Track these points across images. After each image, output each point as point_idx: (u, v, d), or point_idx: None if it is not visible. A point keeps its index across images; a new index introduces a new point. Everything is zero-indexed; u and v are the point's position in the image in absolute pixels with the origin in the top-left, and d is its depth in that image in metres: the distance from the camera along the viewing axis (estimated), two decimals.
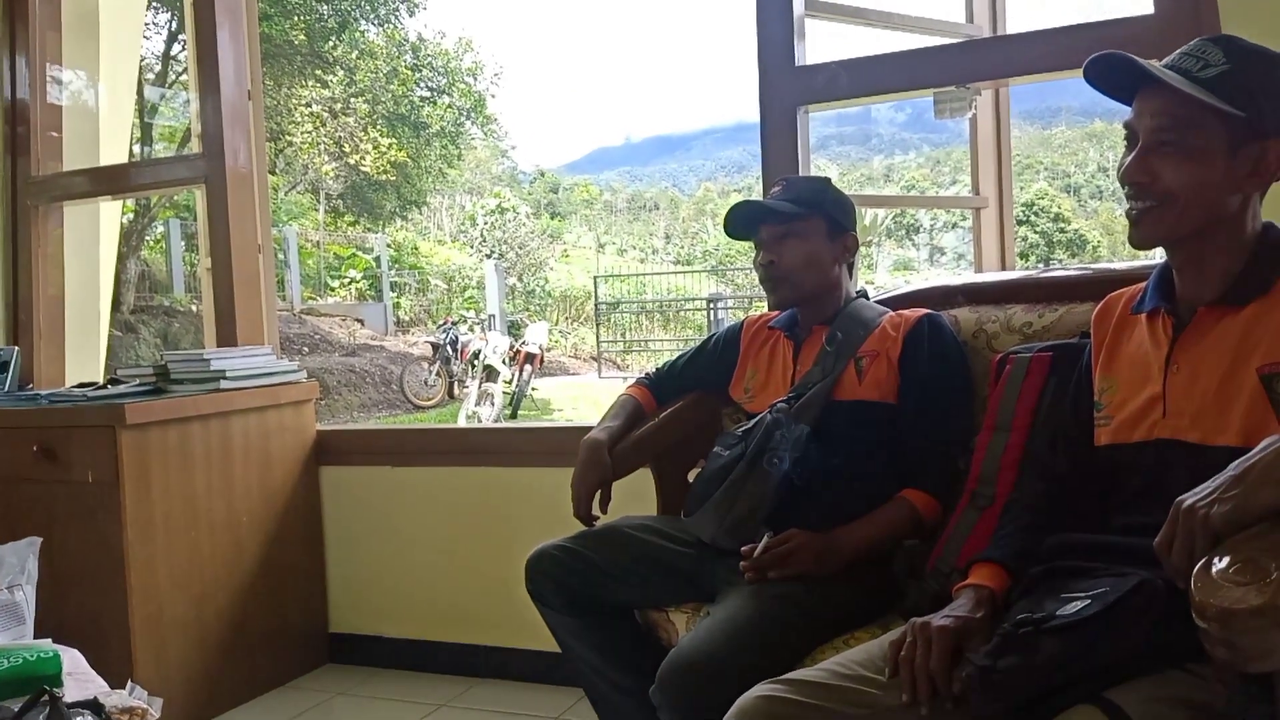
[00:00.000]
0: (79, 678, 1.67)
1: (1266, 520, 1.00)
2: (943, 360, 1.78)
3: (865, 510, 1.71)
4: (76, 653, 1.78)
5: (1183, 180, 1.21)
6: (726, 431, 1.88)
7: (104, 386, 2.76)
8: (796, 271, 1.87)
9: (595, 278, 18.95)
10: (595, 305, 17.53)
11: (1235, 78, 1.20)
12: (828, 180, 1.99)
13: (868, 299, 1.95)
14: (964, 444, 1.72)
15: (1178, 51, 1.25)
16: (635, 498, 2.06)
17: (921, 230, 23.93)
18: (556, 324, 18.41)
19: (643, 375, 2.18)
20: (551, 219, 28.81)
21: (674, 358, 2.17)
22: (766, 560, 1.64)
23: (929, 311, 1.84)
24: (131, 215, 12.37)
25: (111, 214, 3.85)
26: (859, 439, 1.76)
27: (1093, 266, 1.93)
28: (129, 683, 1.59)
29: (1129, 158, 1.26)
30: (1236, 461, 1.04)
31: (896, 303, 2.02)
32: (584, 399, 12.95)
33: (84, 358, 3.57)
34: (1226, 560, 0.96)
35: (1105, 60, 1.26)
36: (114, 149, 3.71)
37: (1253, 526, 1.00)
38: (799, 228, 1.86)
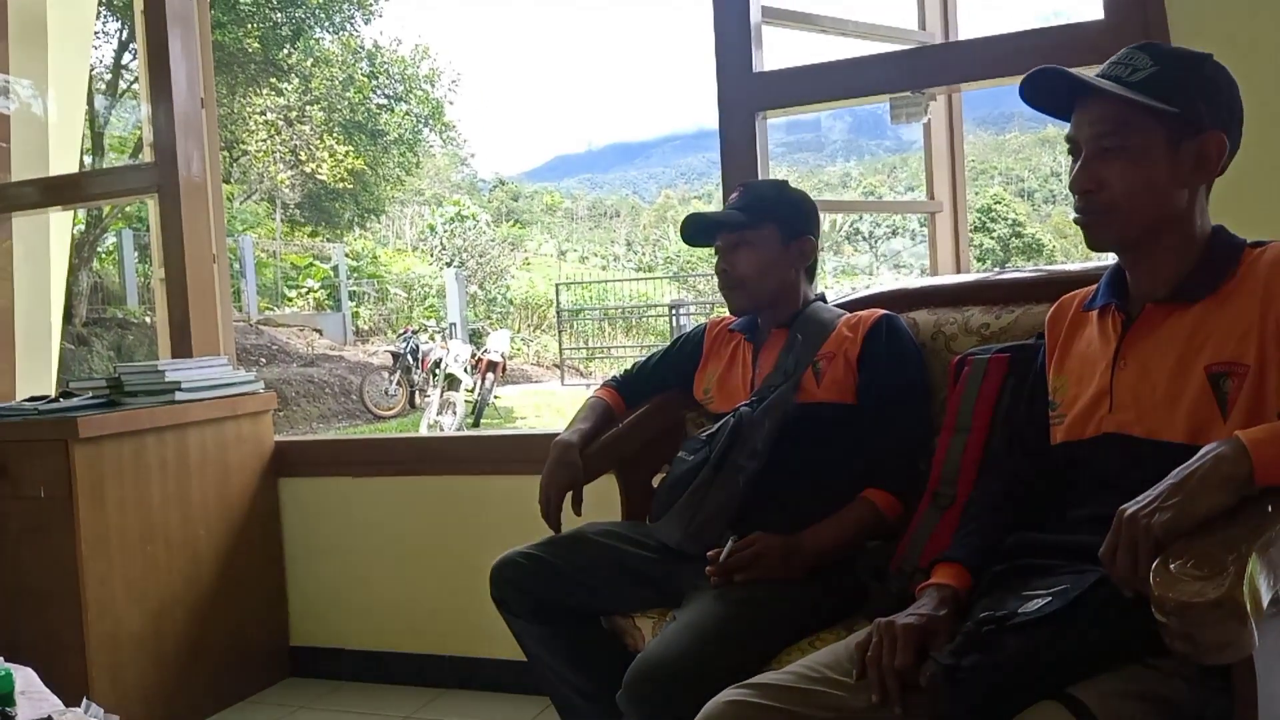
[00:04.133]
0: (33, 696, 1.64)
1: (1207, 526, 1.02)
2: (900, 360, 1.79)
3: (829, 512, 1.72)
4: (30, 671, 1.75)
5: (1129, 182, 1.25)
6: (691, 436, 1.89)
7: (56, 400, 2.70)
8: (751, 279, 1.88)
9: (557, 285, 18.92)
10: (557, 312, 17.50)
11: (1164, 77, 1.24)
12: (783, 184, 1.99)
13: (825, 302, 1.96)
14: (924, 443, 1.74)
15: (1107, 62, 1.30)
16: (600, 503, 2.06)
17: (864, 238, 24.17)
18: (519, 331, 18.35)
19: (611, 378, 2.18)
20: (512, 227, 28.74)
21: (643, 359, 2.17)
22: (732, 564, 1.64)
23: (886, 312, 1.85)
24: (83, 226, 12.17)
25: (62, 225, 3.79)
26: (820, 441, 1.77)
27: (1047, 268, 1.96)
28: (84, 700, 1.57)
29: (1075, 167, 1.29)
30: (1177, 469, 1.06)
31: (856, 305, 2.03)
32: (547, 406, 12.91)
33: (35, 371, 3.51)
34: (1183, 556, 0.98)
35: (1040, 76, 1.30)
36: (64, 159, 3.65)
37: (1194, 532, 1.01)
38: (751, 236, 1.88)
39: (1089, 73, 1.29)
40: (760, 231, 1.88)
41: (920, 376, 1.81)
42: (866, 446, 1.76)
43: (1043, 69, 1.29)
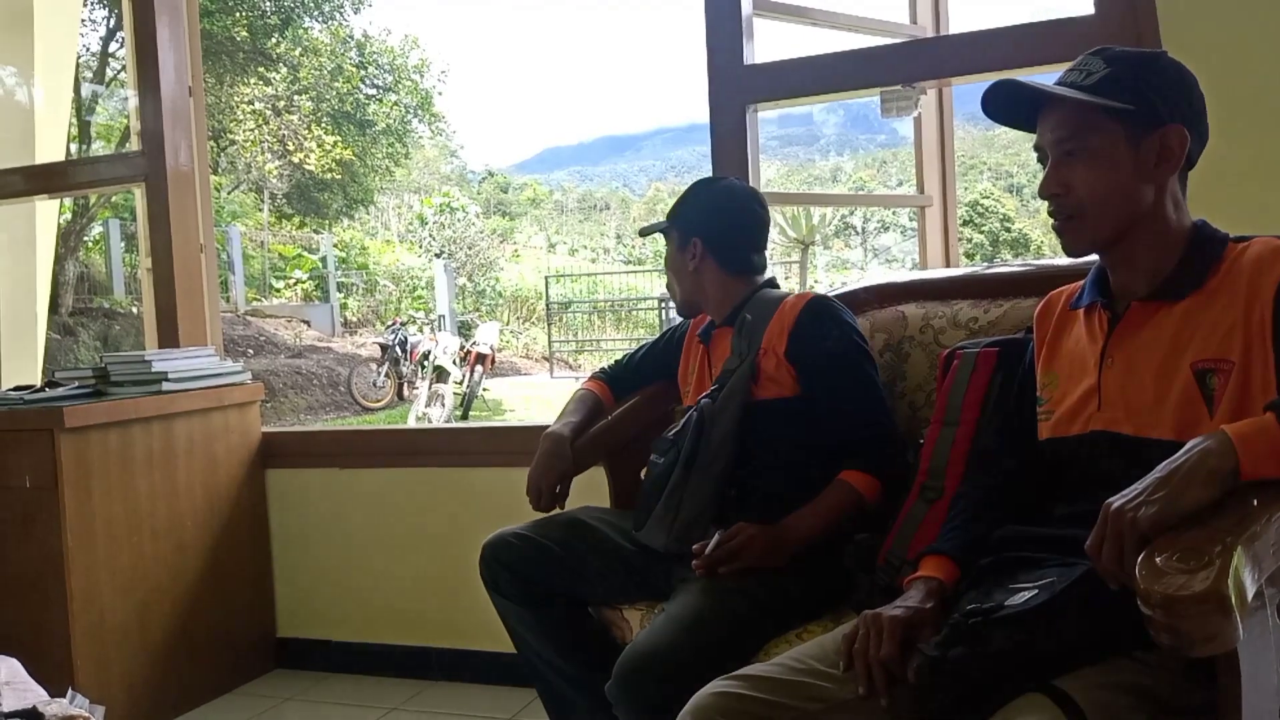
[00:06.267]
0: (17, 687, 1.63)
1: (1192, 519, 1.02)
2: (833, 341, 1.77)
3: (809, 498, 1.71)
4: (15, 662, 1.75)
5: (1093, 182, 1.26)
6: (660, 437, 1.87)
7: (42, 389, 2.68)
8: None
9: (546, 277, 18.89)
10: (547, 305, 17.48)
11: (1117, 77, 1.26)
12: (710, 184, 2.02)
13: (775, 287, 1.93)
14: (885, 413, 1.74)
15: (1064, 69, 1.32)
16: (589, 492, 2.06)
17: (856, 233, 24.16)
18: (508, 324, 18.32)
19: (600, 370, 2.17)
20: (502, 219, 28.67)
21: (632, 351, 2.17)
22: (718, 556, 1.64)
23: (812, 296, 1.82)
24: (69, 215, 12.09)
25: (48, 214, 3.77)
26: (783, 433, 1.76)
27: (1035, 262, 1.97)
28: (69, 691, 1.56)
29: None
30: (1163, 464, 1.07)
31: (841, 301, 2.03)
32: (536, 399, 12.91)
33: (20, 361, 3.50)
34: (1168, 550, 0.99)
35: (998, 90, 1.32)
36: (50, 147, 3.64)
37: (1179, 526, 1.02)
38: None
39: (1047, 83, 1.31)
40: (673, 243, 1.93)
41: (857, 351, 1.78)
42: (831, 431, 1.74)
43: (998, 83, 1.32)
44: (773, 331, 1.79)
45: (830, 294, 2.04)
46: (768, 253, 1.96)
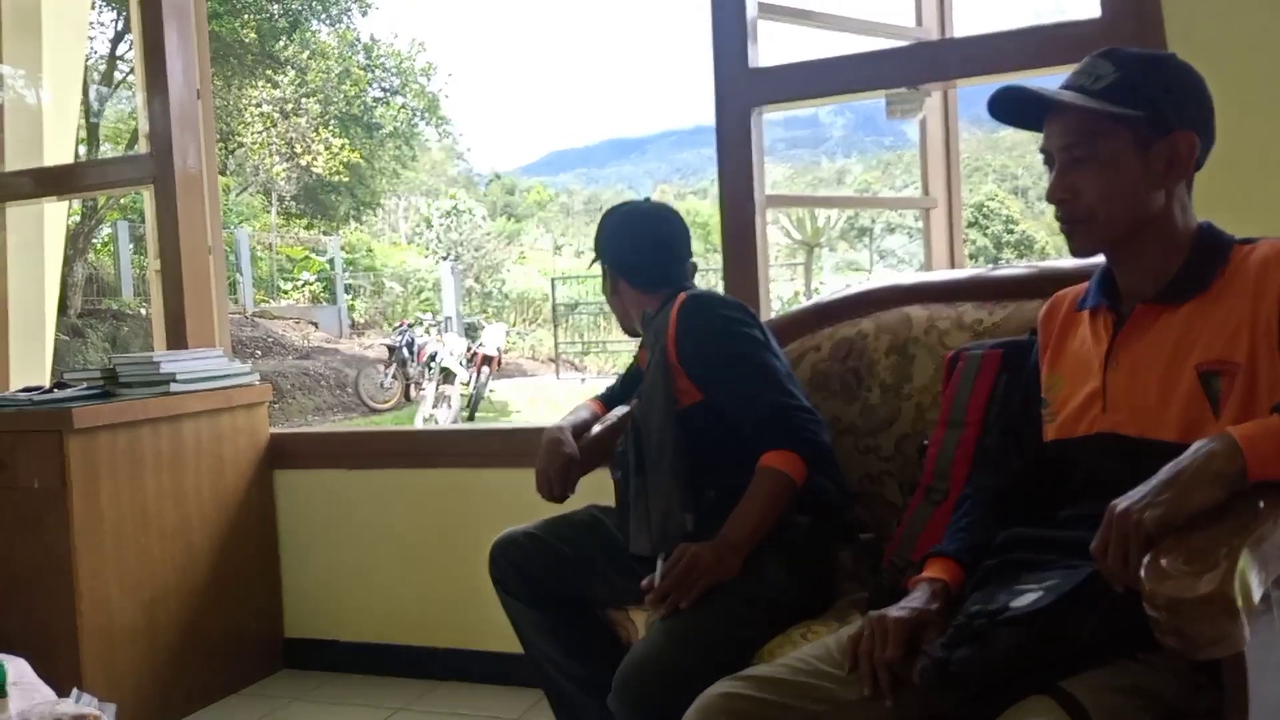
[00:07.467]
0: (25, 687, 1.64)
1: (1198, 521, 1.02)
2: (705, 340, 1.76)
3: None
4: (23, 662, 1.76)
5: (1102, 189, 1.26)
6: (616, 451, 1.88)
7: (50, 390, 2.69)
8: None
9: (552, 279, 18.90)
10: (553, 306, 17.49)
11: (1125, 83, 1.25)
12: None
13: (683, 290, 1.90)
14: (781, 388, 1.71)
15: (1072, 71, 1.31)
16: (592, 493, 2.06)
17: (864, 234, 24.15)
18: (514, 325, 18.34)
19: (596, 395, 2.19)
20: (508, 221, 28.71)
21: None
22: (668, 584, 1.59)
23: (681, 301, 1.80)
24: (78, 217, 12.13)
25: (57, 216, 3.78)
26: (716, 437, 1.75)
27: (1040, 264, 1.96)
28: (75, 690, 1.57)
29: (1051, 177, 1.31)
30: (1168, 465, 1.07)
31: (846, 303, 2.04)
32: (542, 400, 12.92)
33: (29, 362, 3.50)
34: (1174, 552, 0.99)
35: (1006, 96, 1.32)
36: (58, 149, 3.64)
37: (1185, 527, 1.02)
38: None
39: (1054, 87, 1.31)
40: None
41: (732, 338, 1.76)
42: (741, 424, 1.72)
43: (1005, 87, 1.31)
44: (668, 340, 1.79)
45: (832, 298, 2.04)
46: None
